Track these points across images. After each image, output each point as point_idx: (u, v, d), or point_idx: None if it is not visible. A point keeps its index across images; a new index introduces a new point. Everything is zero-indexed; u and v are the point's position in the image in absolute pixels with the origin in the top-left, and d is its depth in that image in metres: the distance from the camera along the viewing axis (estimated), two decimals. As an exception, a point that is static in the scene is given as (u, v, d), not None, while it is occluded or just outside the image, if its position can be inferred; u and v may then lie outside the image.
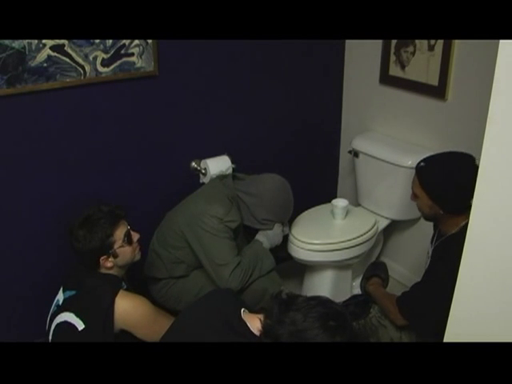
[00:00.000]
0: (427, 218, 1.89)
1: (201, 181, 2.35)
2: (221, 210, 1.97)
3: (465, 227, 1.77)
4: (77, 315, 1.69)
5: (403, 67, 2.41)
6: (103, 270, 1.78)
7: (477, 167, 1.80)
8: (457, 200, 1.74)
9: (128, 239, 1.81)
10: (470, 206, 1.83)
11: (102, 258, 1.75)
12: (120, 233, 1.78)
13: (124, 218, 1.83)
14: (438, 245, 1.87)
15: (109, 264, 1.77)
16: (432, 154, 1.87)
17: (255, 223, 2.11)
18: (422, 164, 1.80)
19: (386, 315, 1.94)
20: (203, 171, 2.34)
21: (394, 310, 1.88)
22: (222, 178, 2.16)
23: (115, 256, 1.77)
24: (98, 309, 1.67)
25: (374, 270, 2.22)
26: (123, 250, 1.79)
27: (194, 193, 2.16)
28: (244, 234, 2.17)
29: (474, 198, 0.88)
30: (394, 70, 2.46)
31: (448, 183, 1.73)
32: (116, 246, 1.76)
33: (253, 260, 2.04)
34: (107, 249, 1.75)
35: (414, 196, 1.85)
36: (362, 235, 2.37)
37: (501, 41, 0.77)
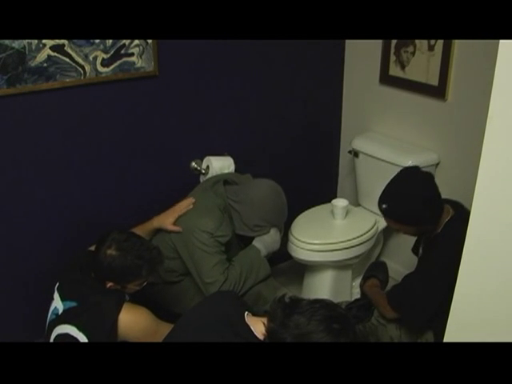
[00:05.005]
0: (418, 235, 1.95)
1: (201, 181, 2.35)
2: (211, 225, 1.93)
3: (448, 223, 1.82)
4: (79, 329, 1.65)
5: (403, 67, 2.41)
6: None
7: (426, 173, 1.78)
8: (431, 212, 1.79)
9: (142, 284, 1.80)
10: (443, 207, 1.87)
11: (110, 284, 1.73)
12: (143, 282, 1.77)
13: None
14: (427, 243, 1.92)
15: (113, 288, 1.75)
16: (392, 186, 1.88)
17: (248, 231, 2.06)
18: (384, 206, 1.84)
19: (379, 312, 1.96)
20: (203, 171, 2.33)
21: (384, 302, 1.90)
22: (213, 184, 2.10)
23: (123, 288, 1.76)
24: (101, 326, 1.65)
25: (372, 270, 2.22)
26: (132, 288, 1.78)
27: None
28: (238, 243, 2.13)
29: (474, 197, 0.88)
30: (394, 70, 2.46)
31: (416, 207, 1.77)
32: (129, 285, 1.76)
33: (245, 271, 1.99)
34: (120, 283, 1.74)
35: (397, 230, 1.91)
36: (361, 235, 2.37)
37: (501, 41, 0.77)
